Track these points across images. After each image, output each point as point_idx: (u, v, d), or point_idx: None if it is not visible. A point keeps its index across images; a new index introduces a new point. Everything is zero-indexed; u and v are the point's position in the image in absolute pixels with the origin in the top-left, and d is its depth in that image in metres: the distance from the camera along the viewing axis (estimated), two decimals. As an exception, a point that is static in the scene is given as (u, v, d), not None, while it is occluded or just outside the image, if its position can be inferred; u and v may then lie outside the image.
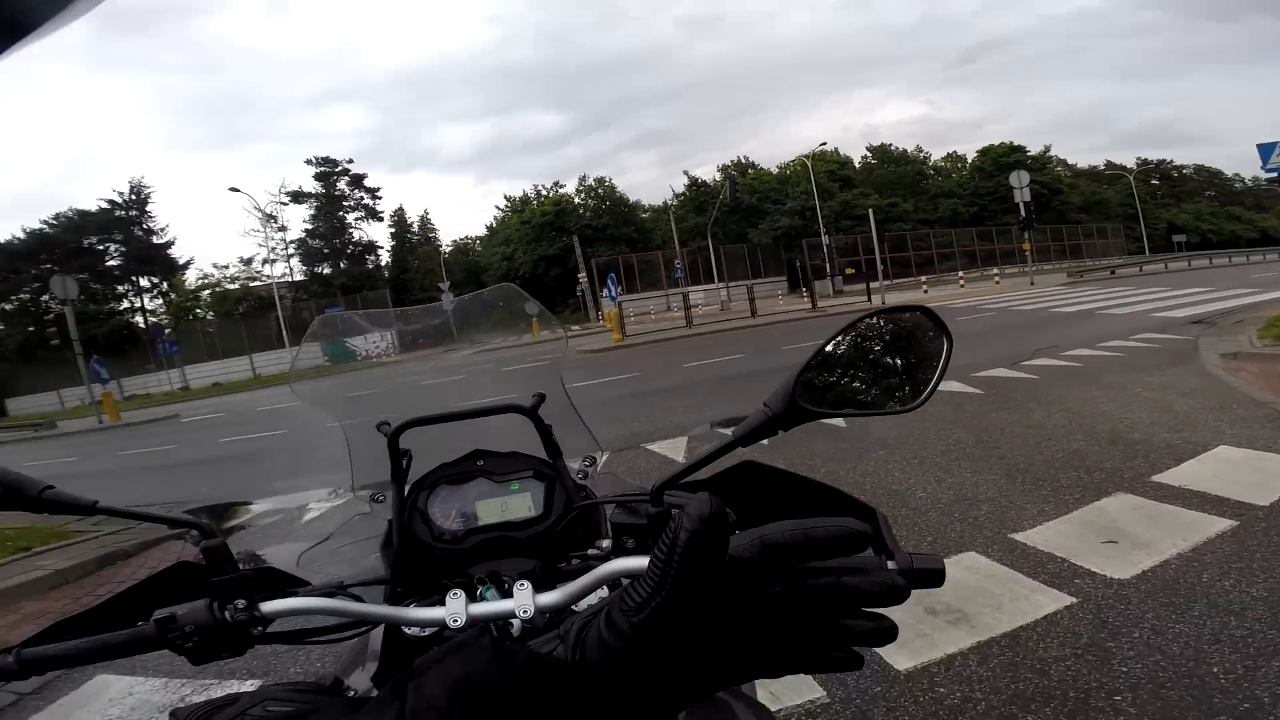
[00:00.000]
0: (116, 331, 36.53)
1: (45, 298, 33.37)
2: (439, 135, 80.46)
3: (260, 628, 0.64)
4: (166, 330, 34.75)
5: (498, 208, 49.32)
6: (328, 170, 41.99)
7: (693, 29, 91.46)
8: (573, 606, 0.68)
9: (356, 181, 42.98)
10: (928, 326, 0.60)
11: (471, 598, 0.69)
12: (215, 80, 73.12)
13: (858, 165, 48.90)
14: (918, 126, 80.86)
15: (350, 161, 42.96)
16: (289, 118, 69.67)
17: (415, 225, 47.78)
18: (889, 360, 0.60)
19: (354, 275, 41.24)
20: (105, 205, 38.32)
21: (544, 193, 46.65)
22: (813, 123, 76.49)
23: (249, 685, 2.59)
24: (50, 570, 4.14)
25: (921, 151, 52.48)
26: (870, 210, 26.27)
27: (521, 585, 0.66)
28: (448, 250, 48.16)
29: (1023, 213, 23.27)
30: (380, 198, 44.07)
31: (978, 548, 2.88)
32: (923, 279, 28.55)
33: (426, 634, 0.75)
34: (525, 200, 46.79)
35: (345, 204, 42.68)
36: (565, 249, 37.59)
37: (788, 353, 10.67)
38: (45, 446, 15.49)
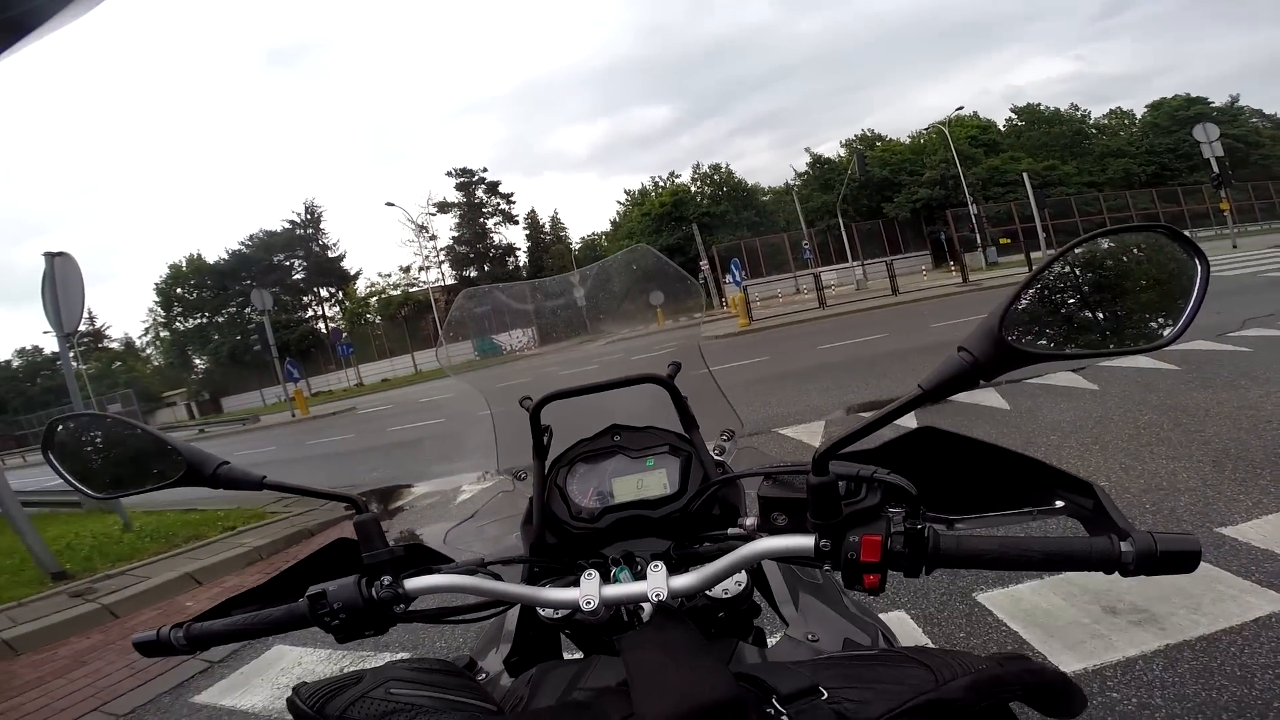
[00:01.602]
0: (304, 336, 42.11)
1: (247, 310, 39.17)
2: (561, 138, 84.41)
3: (403, 605, 0.66)
4: (343, 334, 39.38)
5: (619, 202, 49.93)
6: (467, 180, 45.26)
7: (791, 6, 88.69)
8: (707, 591, 0.66)
9: (492, 188, 45.99)
10: (1170, 248, 0.49)
11: (605, 579, 0.67)
12: (367, 104, 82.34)
13: (1003, 129, 44.07)
14: (1070, 84, 70.92)
15: (485, 170, 46.28)
16: (432, 133, 77.58)
17: (547, 225, 50.13)
18: (1123, 289, 0.49)
19: (496, 277, 43.97)
20: (287, 225, 44.43)
21: (661, 184, 46.87)
22: (943, 89, 70.88)
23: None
24: (249, 547, 4.81)
25: (1078, 109, 46.20)
26: (1024, 174, 23.43)
27: (655, 567, 0.64)
28: (577, 247, 49.89)
29: (1215, 169, 19.57)
30: (514, 202, 46.85)
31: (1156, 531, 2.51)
32: None
33: (560, 615, 0.73)
34: (644, 193, 47.22)
35: (484, 210, 45.80)
36: (686, 238, 37.44)
37: (938, 330, 9.89)
38: (251, 438, 18.12)
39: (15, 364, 49.74)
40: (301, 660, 2.98)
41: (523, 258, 47.84)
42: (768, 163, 75.52)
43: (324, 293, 45.93)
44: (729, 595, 0.70)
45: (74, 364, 6.66)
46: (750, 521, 0.69)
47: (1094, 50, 74.80)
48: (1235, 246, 19.87)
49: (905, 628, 2.24)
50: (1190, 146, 25.88)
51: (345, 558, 0.74)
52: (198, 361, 46.59)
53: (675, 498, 0.83)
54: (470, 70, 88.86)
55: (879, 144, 43.24)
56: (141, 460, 0.72)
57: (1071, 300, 0.49)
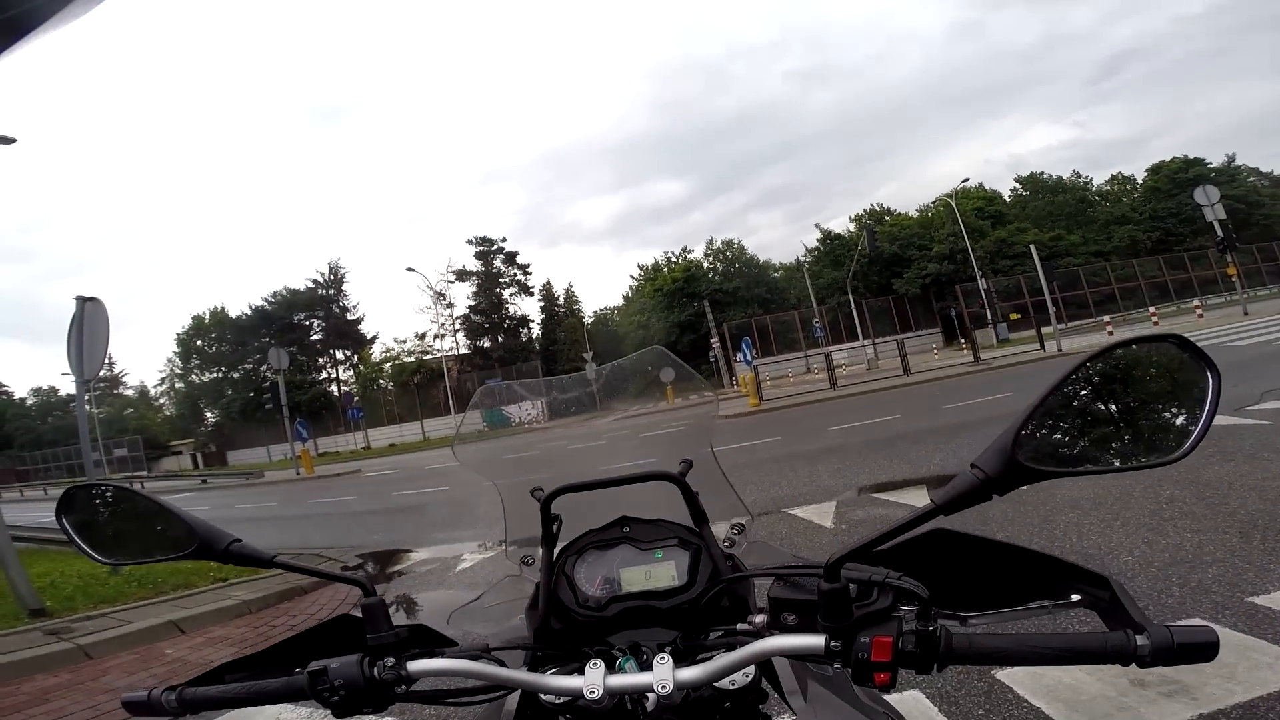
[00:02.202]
0: (316, 398, 42.33)
1: (263, 367, 39.68)
2: (579, 209, 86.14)
3: (404, 686, 0.66)
4: (355, 398, 39.61)
5: (632, 276, 51.21)
6: (486, 249, 46.18)
7: (802, 82, 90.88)
8: (715, 684, 0.65)
9: (510, 259, 46.88)
10: (1180, 358, 0.52)
11: (610, 668, 0.67)
12: (395, 166, 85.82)
13: (1008, 199, 45.00)
14: (1070, 151, 72.10)
15: (504, 240, 47.06)
16: (456, 198, 79.51)
17: (561, 298, 51.06)
18: (1136, 402, 0.52)
19: (509, 348, 44.56)
20: (310, 284, 45.37)
21: (673, 259, 47.66)
22: (949, 160, 71.85)
23: None
24: (238, 600, 4.67)
25: (1080, 177, 47.38)
26: (1031, 245, 23.53)
27: (661, 659, 0.64)
28: (590, 321, 50.59)
29: (1219, 233, 19.52)
30: (530, 273, 47.65)
31: (1204, 613, 2.53)
32: (1105, 319, 24.21)
33: (561, 702, 0.72)
34: (657, 268, 47.95)
35: (501, 280, 46.60)
36: (697, 314, 37.74)
37: (949, 412, 9.76)
38: (254, 493, 17.96)
39: (30, 401, 50.28)
40: (280, 716, 2.78)
41: (536, 329, 48.51)
42: (780, 238, 76.47)
43: (340, 355, 46.55)
44: (736, 687, 0.70)
45: (87, 408, 6.65)
46: (760, 618, 0.70)
47: (1091, 115, 76.24)
48: (1246, 314, 19.72)
49: (920, 708, 2.18)
50: (1192, 209, 26.01)
51: (346, 632, 0.75)
52: (209, 414, 46.76)
53: (683, 590, 0.84)
54: (495, 138, 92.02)
55: (888, 218, 43.91)
56: (155, 532, 0.73)
57: (1084, 416, 0.51)
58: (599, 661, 0.66)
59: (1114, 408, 0.51)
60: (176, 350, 47.65)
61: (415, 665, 0.66)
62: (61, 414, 45.84)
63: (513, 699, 0.82)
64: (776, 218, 75.83)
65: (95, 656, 3.68)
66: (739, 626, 0.74)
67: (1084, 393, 0.51)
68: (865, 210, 46.32)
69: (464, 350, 44.88)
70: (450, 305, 44.48)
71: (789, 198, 77.57)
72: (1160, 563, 3.08)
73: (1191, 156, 42.71)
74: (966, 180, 38.85)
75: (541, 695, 0.73)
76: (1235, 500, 3.72)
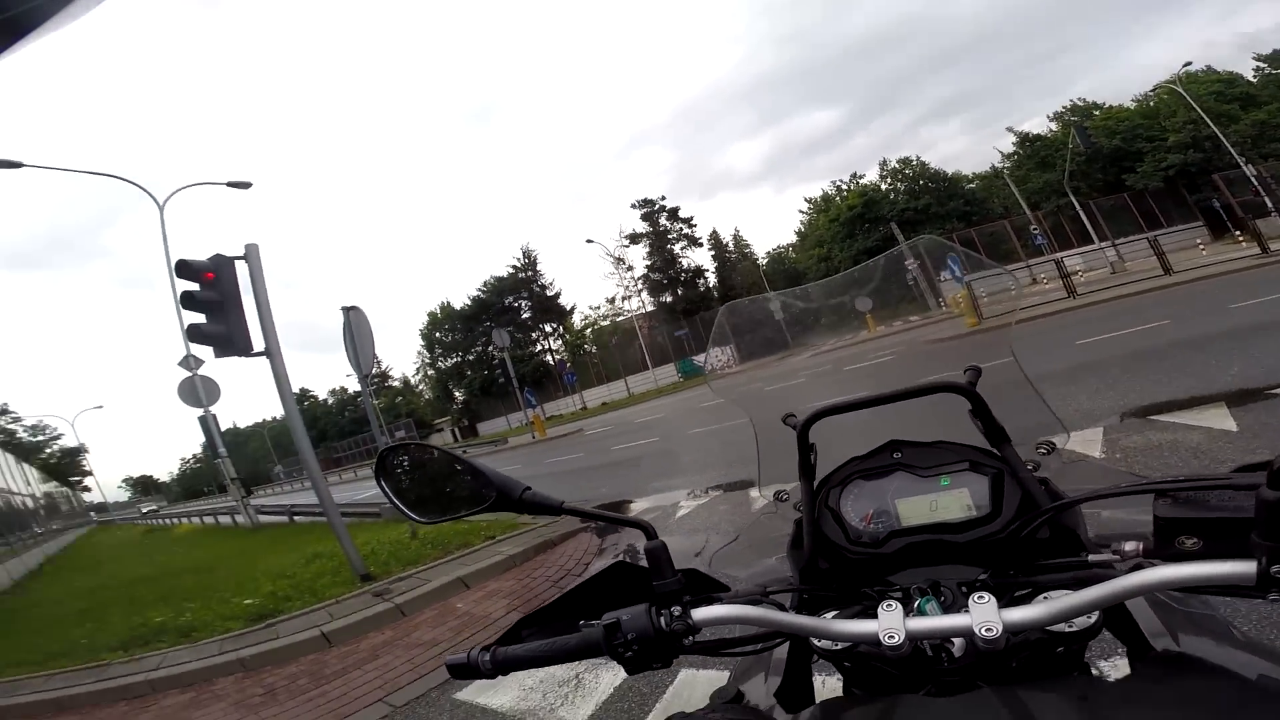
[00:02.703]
0: (535, 368, 47.17)
1: (490, 348, 45.20)
2: (727, 156, 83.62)
3: (691, 637, 0.64)
4: (567, 364, 43.52)
5: (801, 211, 48.93)
6: (649, 210, 47.23)
7: None
8: (1048, 628, 0.57)
9: (673, 215, 47.37)
10: None
11: (907, 610, 0.62)
12: (550, 152, 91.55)
13: (1253, 79, 34.41)
14: None
15: (664, 198, 47.86)
16: (610, 169, 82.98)
17: (730, 244, 50.32)
18: None
19: (689, 299, 45.19)
20: (510, 270, 50.15)
21: (844, 188, 44.80)
22: (1154, 46, 56.42)
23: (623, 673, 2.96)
24: (505, 555, 5.41)
25: None
26: None
27: (981, 598, 0.57)
28: (764, 262, 49.40)
29: None
30: (695, 225, 47.84)
31: None
32: None
33: (839, 648, 0.66)
34: (828, 199, 45.50)
35: (669, 237, 47.31)
36: (885, 239, 34.90)
37: (1239, 313, 7.82)
38: (501, 458, 20.59)
39: (329, 401, 63.38)
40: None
41: (712, 278, 48.53)
42: (964, 148, 67.40)
43: (547, 328, 51.13)
44: (1073, 629, 0.59)
45: (371, 399, 8.28)
46: (1132, 545, 0.60)
47: None
48: None
49: None
50: None
51: (622, 582, 0.76)
52: (457, 393, 54.68)
53: (984, 520, 0.73)
54: (628, 104, 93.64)
55: (1097, 112, 36.79)
56: (456, 486, 0.78)
57: None
58: (894, 603, 0.60)
59: None
60: (422, 344, 56.15)
61: (700, 613, 0.64)
62: (353, 408, 57.21)
63: (784, 646, 0.80)
64: (954, 128, 66.92)
65: (408, 614, 4.53)
66: (1092, 558, 0.64)
67: None
68: (1065, 107, 39.19)
69: (649, 308, 46.55)
70: (630, 268, 46.54)
71: (963, 106, 67.15)
72: None
73: None
74: (1188, 64, 31.08)
75: (814, 641, 0.67)
76: None
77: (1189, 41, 55.39)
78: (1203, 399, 4.54)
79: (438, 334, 54.21)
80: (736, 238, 51.23)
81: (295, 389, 6.16)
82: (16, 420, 55.16)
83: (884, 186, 42.79)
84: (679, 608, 0.64)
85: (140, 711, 3.69)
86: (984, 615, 0.54)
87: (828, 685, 0.80)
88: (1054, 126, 38.27)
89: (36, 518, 23.40)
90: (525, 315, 50.39)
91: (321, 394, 64.91)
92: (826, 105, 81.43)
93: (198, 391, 12.33)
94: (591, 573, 0.79)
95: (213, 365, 12.84)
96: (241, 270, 5.51)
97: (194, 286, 5.33)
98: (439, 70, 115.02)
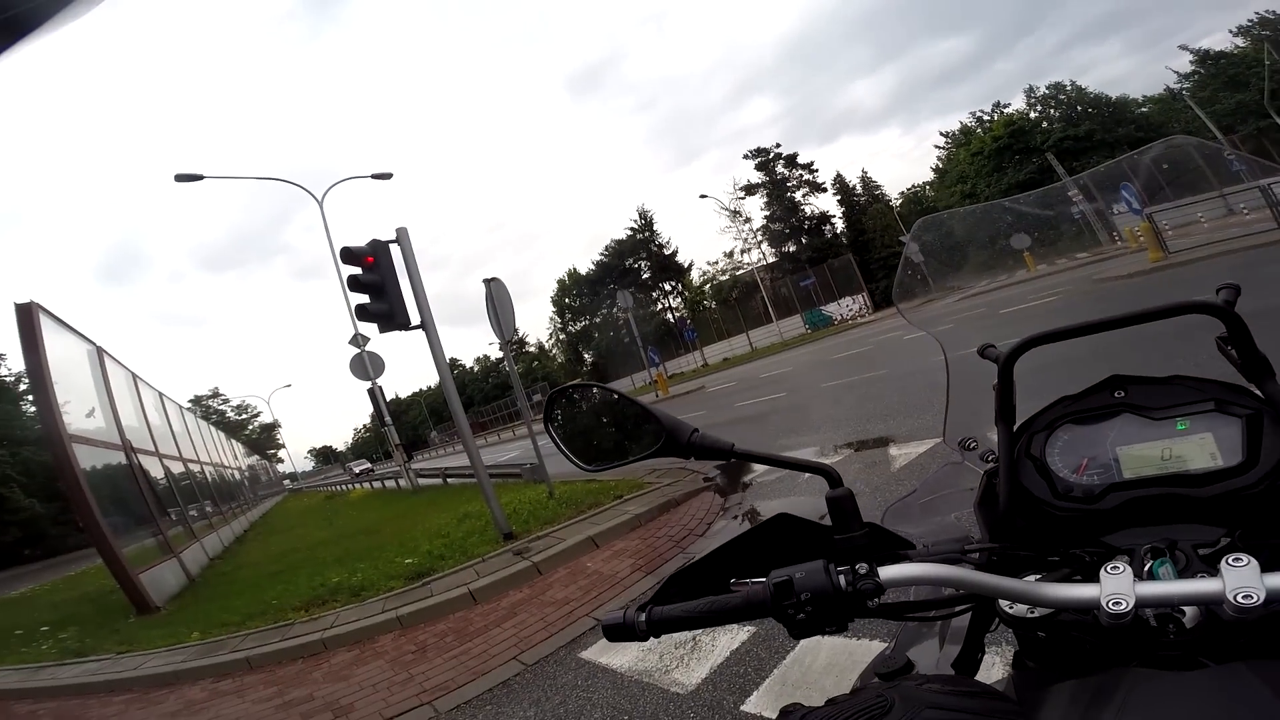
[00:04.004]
0: (658, 327, 47.82)
1: (615, 309, 46.36)
2: (848, 96, 75.41)
3: (876, 599, 0.58)
4: (688, 321, 43.59)
5: (937, 147, 44.66)
6: (764, 159, 45.17)
7: None
8: None
9: (790, 162, 45.06)
10: None
11: (1137, 574, 0.53)
12: (656, 111, 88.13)
13: None
14: None
15: (779, 145, 45.41)
16: (719, 122, 77.97)
17: (858, 187, 46.96)
18: None
19: (816, 247, 43.08)
20: (629, 232, 50.72)
21: (986, 119, 40.33)
22: None
23: (744, 635, 2.86)
24: (631, 515, 5.52)
25: None
26: None
27: (1238, 560, 0.48)
28: (898, 203, 45.86)
29: None
30: (816, 170, 45.25)
31: None
32: None
33: (1036, 615, 0.59)
34: (968, 131, 41.26)
35: (788, 185, 45.12)
36: (1041, 169, 31.28)
37: None
38: (629, 417, 21.31)
39: (475, 369, 68.46)
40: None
41: (839, 224, 45.95)
42: (1129, 70, 55.32)
43: (667, 286, 51.42)
44: None
45: (512, 365, 8.83)
46: None
47: None
48: None
49: None
50: None
51: (780, 536, 0.70)
52: (586, 355, 56.95)
53: (1237, 471, 0.61)
54: (727, 51, 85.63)
55: None
56: (624, 430, 0.76)
57: None
58: (1122, 565, 0.53)
59: None
60: (554, 310, 58.85)
61: (888, 572, 0.58)
62: (496, 374, 61.48)
63: (963, 614, 0.73)
64: (1114, 49, 56.38)
65: (544, 572, 4.77)
66: None
67: None
68: (1250, 20, 31.87)
69: (771, 259, 45.09)
70: (748, 220, 45.37)
71: (1122, 24, 54.50)
72: None
73: None
74: None
75: (1008, 608, 0.60)
76: None
77: None
78: None
79: (566, 300, 56.43)
80: (865, 179, 47.81)
81: (447, 359, 6.66)
82: (225, 402, 65.63)
83: (1033, 115, 38.28)
84: (864, 565, 0.58)
85: (313, 669, 4.16)
86: (1242, 580, 0.46)
87: (984, 660, 0.73)
88: (1240, 42, 32.01)
89: (243, 489, 27.51)
90: (645, 275, 50.97)
91: (468, 362, 70.28)
92: (955, 33, 70.35)
93: (366, 365, 13.83)
94: (715, 533, 0.74)
95: (377, 341, 14.30)
96: (394, 253, 5.99)
97: (357, 270, 5.87)
98: (542, 42, 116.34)
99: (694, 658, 2.91)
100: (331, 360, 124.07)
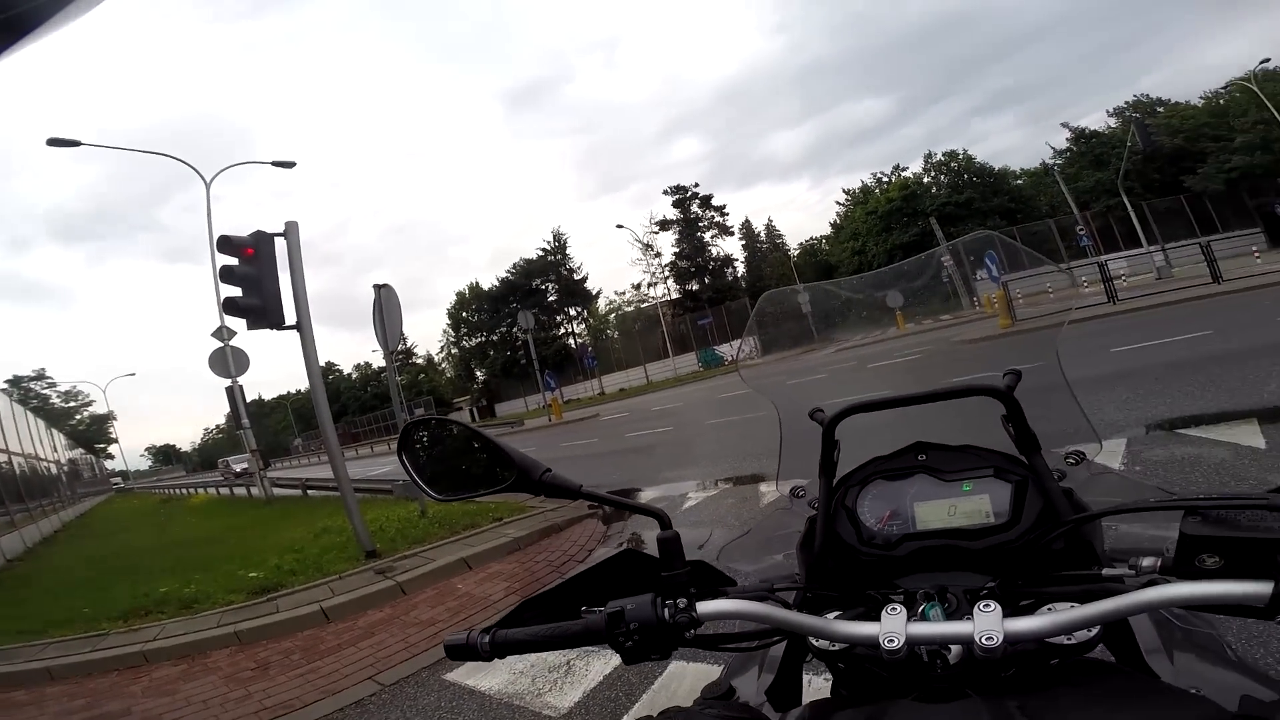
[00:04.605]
0: (557, 351, 47.45)
1: (514, 329, 45.58)
2: (769, 145, 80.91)
3: (693, 630, 0.63)
4: (589, 348, 43.58)
5: (838, 203, 48.07)
6: (681, 197, 46.93)
7: None
8: (1050, 639, 0.57)
9: (705, 202, 47.06)
10: None
11: (910, 615, 0.60)
12: (589, 137, 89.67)
13: None
14: None
15: (696, 185, 47.49)
16: (647, 157, 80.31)
17: (762, 234, 49.95)
18: None
19: (717, 288, 45.01)
20: (540, 253, 50.31)
21: (885, 180, 43.99)
22: (1229, 41, 54.04)
23: (616, 659, 2.89)
24: (510, 538, 5.39)
25: None
26: None
27: (987, 606, 0.56)
28: (796, 253, 49.00)
29: None
30: (727, 214, 47.48)
31: None
32: None
33: (836, 649, 0.65)
34: (866, 190, 44.78)
35: (700, 225, 46.99)
36: (923, 233, 34.48)
37: (1292, 325, 7.43)
38: (517, 439, 20.62)
39: (353, 375, 64.36)
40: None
41: (741, 268, 48.35)
42: (1016, 143, 64.90)
43: (572, 311, 51.29)
44: (1070, 643, 0.58)
45: (394, 376, 8.32)
46: (1149, 561, 0.59)
47: None
48: None
49: None
50: None
51: (628, 570, 0.74)
52: (479, 373, 55.24)
53: (1003, 528, 0.71)
54: (668, 89, 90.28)
55: (1160, 109, 35.37)
56: (476, 465, 0.78)
57: None
58: (899, 608, 0.60)
59: None
60: (449, 322, 56.77)
61: (704, 607, 0.63)
62: (376, 383, 58.00)
63: (779, 645, 0.79)
64: (1007, 122, 64.15)
65: (408, 592, 4.53)
66: (1105, 572, 0.63)
67: None
68: (1127, 103, 37.53)
69: (675, 295, 46.35)
70: (658, 255, 46.36)
71: (1018, 98, 63.74)
72: None
73: None
74: (1267, 60, 29.27)
75: (812, 641, 0.67)
76: None
77: (1267, 39, 52.96)
78: (1234, 414, 4.40)
79: (464, 314, 54.81)
80: (769, 228, 51.04)
81: (321, 362, 6.20)
82: (51, 386, 57.18)
83: (926, 180, 42.07)
84: (684, 600, 0.63)
85: (131, 683, 3.70)
86: (987, 624, 0.54)
87: (814, 686, 0.80)
88: (1113, 123, 36.93)
89: (59, 484, 23.88)
90: (551, 298, 50.63)
91: (346, 368, 66.00)
92: (876, 95, 77.81)
93: (228, 362, 12.57)
94: (596, 560, 0.77)
95: (244, 337, 13.07)
96: (279, 246, 5.61)
97: (233, 261, 5.46)
98: (482, 51, 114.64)
99: (568, 681, 2.88)
100: (188, 352, 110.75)
